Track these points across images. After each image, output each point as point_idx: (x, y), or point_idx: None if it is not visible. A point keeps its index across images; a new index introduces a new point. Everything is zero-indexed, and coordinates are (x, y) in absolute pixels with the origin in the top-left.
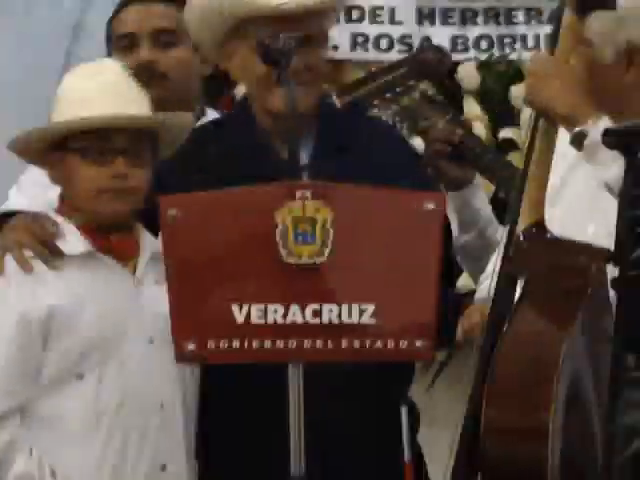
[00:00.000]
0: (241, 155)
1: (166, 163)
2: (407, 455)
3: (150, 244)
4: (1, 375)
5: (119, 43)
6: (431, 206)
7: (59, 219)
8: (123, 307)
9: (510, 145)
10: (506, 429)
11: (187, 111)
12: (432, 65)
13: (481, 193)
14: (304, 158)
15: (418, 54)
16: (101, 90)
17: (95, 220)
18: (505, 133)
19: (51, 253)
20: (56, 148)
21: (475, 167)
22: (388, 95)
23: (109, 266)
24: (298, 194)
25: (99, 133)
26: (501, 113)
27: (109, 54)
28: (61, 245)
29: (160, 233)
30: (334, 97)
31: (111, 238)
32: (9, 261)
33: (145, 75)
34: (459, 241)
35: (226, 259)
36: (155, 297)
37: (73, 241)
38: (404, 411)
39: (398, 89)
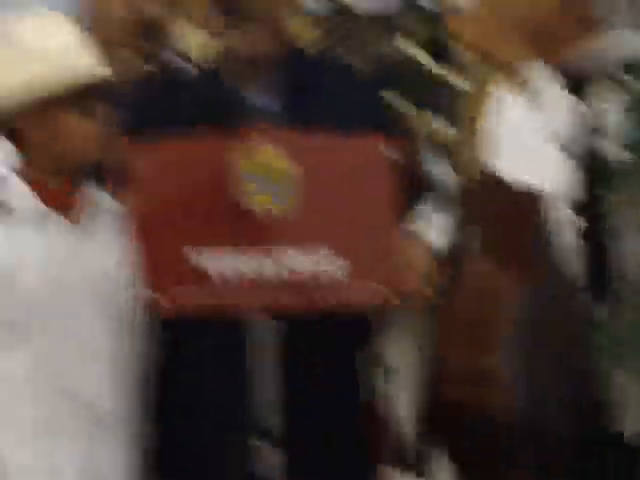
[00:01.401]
0: (201, 102)
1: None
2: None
3: (94, 200)
4: None
5: None
6: (387, 149)
7: (10, 174)
8: (68, 262)
9: None
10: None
11: None
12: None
13: None
14: (267, 103)
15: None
16: (71, 45)
17: (66, 169)
18: (439, 69)
19: None
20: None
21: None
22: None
23: (54, 222)
24: (258, 140)
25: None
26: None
27: None
28: (11, 200)
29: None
30: None
31: (57, 192)
32: None
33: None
34: None
35: (186, 205)
36: (102, 253)
37: (22, 196)
38: (358, 359)
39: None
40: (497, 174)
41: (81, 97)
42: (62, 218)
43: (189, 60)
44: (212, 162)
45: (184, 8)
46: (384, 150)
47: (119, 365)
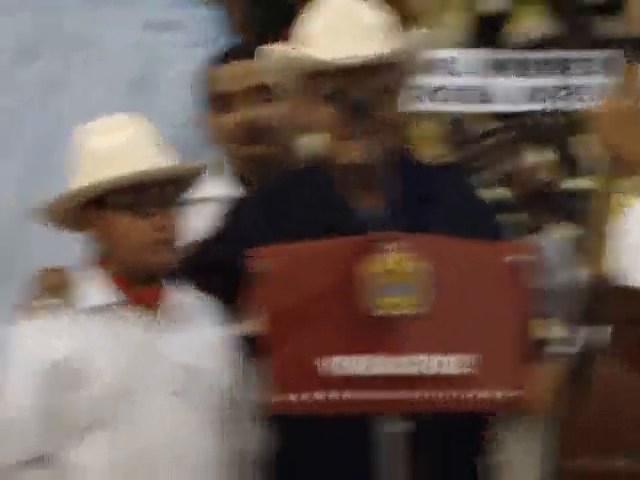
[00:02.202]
0: (322, 205)
1: (246, 204)
2: None
3: (174, 294)
4: (19, 425)
5: (216, 102)
6: (516, 257)
7: (85, 271)
8: (141, 358)
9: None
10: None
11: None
12: (541, 129)
13: (552, 239)
14: (382, 210)
15: (526, 119)
16: (130, 144)
17: (139, 272)
18: (569, 184)
19: (65, 304)
20: (89, 205)
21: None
22: (492, 158)
23: (130, 317)
24: (389, 245)
25: (137, 187)
26: (566, 163)
27: (202, 111)
28: (83, 296)
29: (251, 284)
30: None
31: (135, 289)
32: (27, 312)
33: (248, 134)
34: None
35: (316, 310)
36: (180, 348)
37: (95, 294)
38: (479, 464)
39: (502, 151)
40: (626, 275)
41: (132, 197)
42: (142, 312)
43: (314, 165)
44: (339, 268)
45: (307, 115)
46: (513, 256)
47: (213, 461)
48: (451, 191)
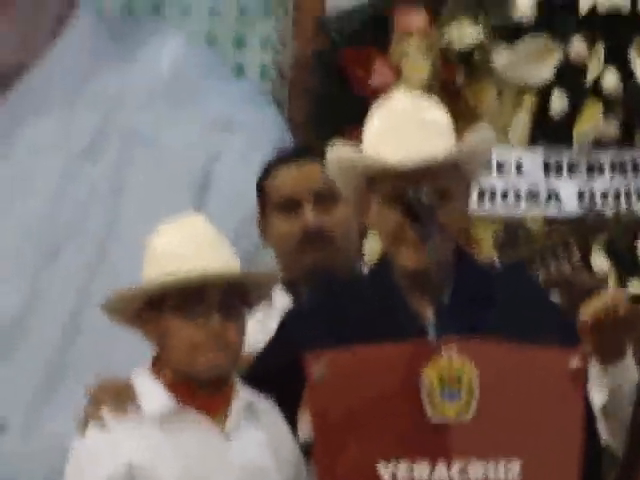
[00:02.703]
0: (378, 310)
1: (297, 312)
2: None
3: (243, 398)
4: None
5: (278, 206)
6: (575, 363)
7: (147, 378)
8: (208, 463)
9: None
10: None
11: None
12: (595, 228)
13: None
14: (443, 313)
15: (581, 217)
16: (192, 245)
17: (192, 377)
18: (633, 287)
19: (126, 412)
20: (151, 306)
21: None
22: (548, 259)
23: (195, 422)
24: (444, 350)
25: (194, 290)
26: (628, 267)
27: (262, 215)
28: (144, 404)
29: (306, 390)
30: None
31: (199, 393)
32: (91, 424)
33: (312, 240)
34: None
35: (371, 416)
36: (245, 450)
37: (156, 400)
38: None
39: (559, 253)
40: None
41: (186, 300)
42: (200, 417)
43: (375, 269)
44: (395, 373)
45: (369, 219)
46: (572, 364)
47: None
48: (513, 292)
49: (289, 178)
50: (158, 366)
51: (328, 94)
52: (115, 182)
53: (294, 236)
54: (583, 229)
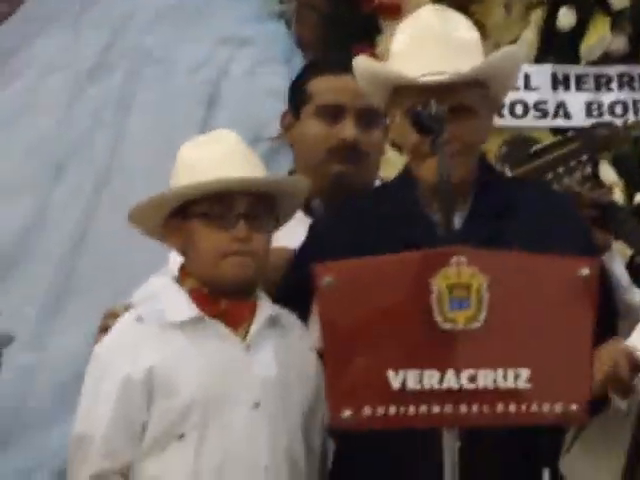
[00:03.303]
0: (397, 221)
1: (323, 224)
2: None
3: (266, 311)
4: (104, 435)
5: (321, 111)
6: (585, 272)
7: (171, 287)
8: (227, 371)
9: None
10: None
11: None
12: (607, 140)
13: (619, 259)
14: (458, 224)
15: (592, 129)
16: (220, 156)
17: (217, 284)
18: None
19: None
20: (175, 215)
21: (616, 233)
22: (560, 170)
23: (216, 331)
24: (453, 260)
25: (220, 198)
26: (636, 178)
27: (294, 113)
28: (167, 311)
29: (315, 300)
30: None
31: (222, 303)
32: (117, 325)
33: (348, 152)
34: None
35: (381, 325)
36: (265, 362)
37: (180, 308)
38: (546, 474)
39: (571, 164)
40: None
41: (213, 208)
42: (221, 326)
43: (397, 182)
44: (405, 282)
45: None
46: (582, 272)
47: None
48: (535, 205)
49: (339, 86)
50: (183, 276)
51: (335, 12)
52: (122, 100)
53: (329, 143)
54: (592, 140)
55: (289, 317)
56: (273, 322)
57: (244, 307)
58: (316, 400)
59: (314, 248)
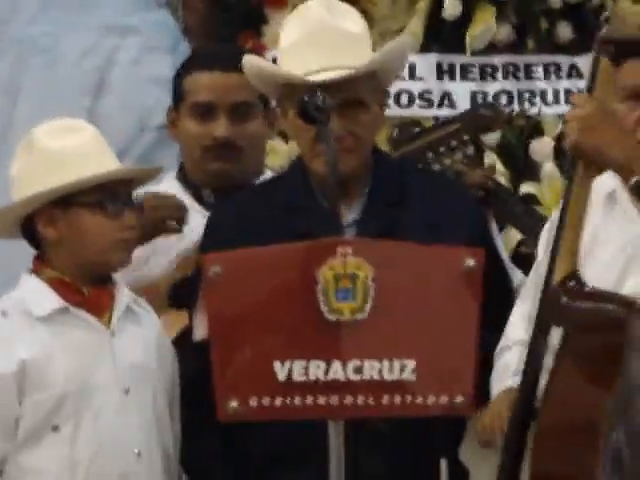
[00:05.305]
0: (292, 212)
1: (217, 217)
2: None
3: (125, 296)
4: None
5: (194, 109)
6: (470, 263)
7: (31, 280)
8: (95, 358)
9: (531, 200)
10: None
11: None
12: (488, 121)
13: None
14: (353, 215)
15: (474, 110)
16: (87, 147)
17: (97, 271)
18: (526, 188)
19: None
20: (46, 208)
21: (502, 215)
22: (442, 150)
23: (81, 319)
24: (339, 250)
25: (108, 187)
26: (521, 168)
27: (175, 108)
28: (32, 305)
29: (202, 289)
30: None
31: (85, 291)
32: None
33: (222, 150)
34: None
35: (267, 315)
36: (130, 348)
37: (43, 299)
38: (444, 464)
39: (452, 144)
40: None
41: (102, 197)
42: (86, 315)
43: (289, 173)
44: (292, 273)
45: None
46: (467, 262)
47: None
48: (426, 192)
49: (208, 84)
50: (39, 267)
51: (222, 0)
52: (9, 89)
53: (203, 142)
54: (474, 120)
55: (142, 303)
56: (130, 309)
57: (105, 294)
58: (174, 387)
59: (209, 243)
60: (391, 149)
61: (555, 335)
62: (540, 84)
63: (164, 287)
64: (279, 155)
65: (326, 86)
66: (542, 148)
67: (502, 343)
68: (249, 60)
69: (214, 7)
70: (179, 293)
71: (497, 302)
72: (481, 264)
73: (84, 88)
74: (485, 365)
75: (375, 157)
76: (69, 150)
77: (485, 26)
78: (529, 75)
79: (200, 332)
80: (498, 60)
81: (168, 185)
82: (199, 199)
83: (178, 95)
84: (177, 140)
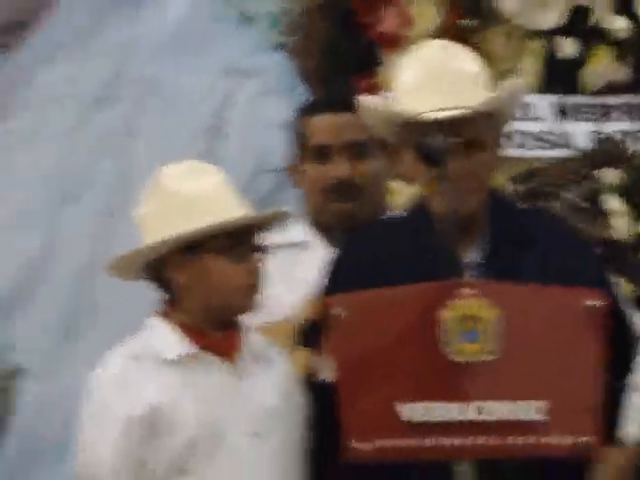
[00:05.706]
0: (412, 253)
1: (341, 258)
2: None
3: (254, 340)
4: (108, 475)
5: (311, 152)
6: (591, 302)
7: (162, 324)
8: (224, 402)
9: None
10: None
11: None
12: (609, 156)
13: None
14: (472, 255)
15: (597, 146)
16: (217, 191)
17: (222, 316)
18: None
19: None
20: (177, 253)
21: (622, 272)
22: (559, 184)
23: (210, 363)
24: (462, 292)
25: (237, 233)
26: None
27: (302, 152)
28: (163, 349)
29: (327, 332)
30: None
31: (213, 335)
32: (113, 363)
33: (342, 190)
34: None
35: (390, 357)
36: (259, 392)
37: (174, 344)
38: None
39: (570, 177)
40: None
41: (229, 243)
42: (215, 358)
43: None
44: (416, 314)
45: (397, 166)
46: (588, 302)
47: None
48: (546, 235)
49: (323, 127)
50: (170, 312)
51: (336, 43)
52: (128, 129)
53: (325, 184)
54: (592, 155)
55: (271, 346)
56: (260, 352)
57: (233, 338)
58: (303, 434)
59: (332, 283)
60: (510, 184)
61: None
62: None
63: (292, 328)
64: (401, 196)
65: (444, 126)
66: None
67: (632, 385)
68: (365, 100)
69: (328, 49)
70: (307, 334)
71: (622, 348)
72: (603, 304)
73: (202, 130)
74: (612, 409)
75: (492, 197)
76: (199, 194)
77: (602, 66)
78: None
79: (325, 373)
80: (617, 101)
81: (297, 230)
82: (330, 241)
83: (297, 142)
84: (298, 185)
